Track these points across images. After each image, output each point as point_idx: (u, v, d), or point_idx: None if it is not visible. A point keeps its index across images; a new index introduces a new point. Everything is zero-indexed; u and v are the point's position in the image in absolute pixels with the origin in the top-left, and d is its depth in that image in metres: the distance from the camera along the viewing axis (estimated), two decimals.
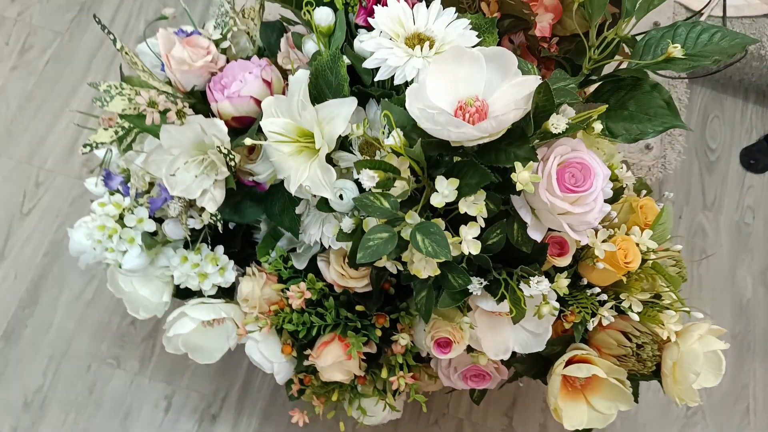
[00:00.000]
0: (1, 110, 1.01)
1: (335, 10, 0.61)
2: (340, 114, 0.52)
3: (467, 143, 0.48)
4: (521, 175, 0.46)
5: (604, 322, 0.62)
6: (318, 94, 0.57)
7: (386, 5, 0.58)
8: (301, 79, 0.54)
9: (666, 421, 0.93)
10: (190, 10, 1.11)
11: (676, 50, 0.53)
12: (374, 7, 0.55)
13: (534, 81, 0.47)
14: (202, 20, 1.11)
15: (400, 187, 0.50)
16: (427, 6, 0.55)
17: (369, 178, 0.46)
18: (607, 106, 0.48)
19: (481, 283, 0.53)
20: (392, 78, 0.52)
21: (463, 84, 0.50)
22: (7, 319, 0.88)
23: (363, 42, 0.53)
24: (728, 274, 1.04)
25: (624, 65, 0.57)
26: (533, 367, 0.66)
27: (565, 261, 0.58)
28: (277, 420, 0.85)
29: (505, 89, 0.49)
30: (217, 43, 0.68)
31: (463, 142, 0.48)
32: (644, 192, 0.67)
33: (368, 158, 0.53)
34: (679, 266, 0.66)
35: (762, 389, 0.96)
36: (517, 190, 0.47)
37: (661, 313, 0.63)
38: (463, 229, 0.50)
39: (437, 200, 0.49)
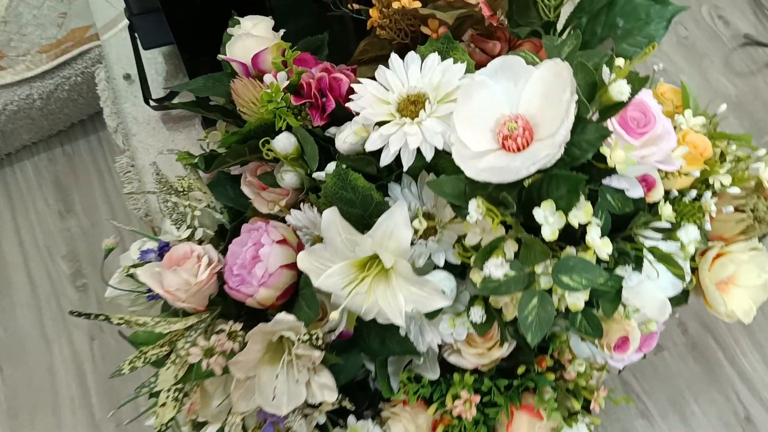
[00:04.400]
0: None
1: (290, 128, 0.55)
2: (397, 223, 0.46)
3: None
4: (616, 156, 0.42)
5: (712, 211, 0.60)
6: (347, 216, 0.51)
7: (343, 97, 0.53)
8: (332, 218, 0.47)
9: None
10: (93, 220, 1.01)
11: None
12: (336, 102, 0.49)
13: (555, 65, 0.43)
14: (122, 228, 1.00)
15: (509, 250, 0.45)
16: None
17: (498, 267, 0.41)
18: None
19: (628, 269, 0.49)
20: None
21: (486, 113, 0.45)
22: None
23: (370, 143, 0.47)
24: None
25: None
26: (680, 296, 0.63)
27: (658, 193, 0.54)
28: None
29: (530, 91, 0.44)
30: (190, 238, 0.60)
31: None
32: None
33: (461, 248, 0.47)
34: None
35: None
36: (618, 170, 0.43)
37: (748, 169, 0.61)
38: (589, 237, 0.45)
39: (548, 232, 0.44)
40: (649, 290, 0.56)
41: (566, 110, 0.41)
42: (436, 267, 0.52)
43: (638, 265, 0.51)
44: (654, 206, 0.55)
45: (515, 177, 0.41)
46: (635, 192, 0.49)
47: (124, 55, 0.88)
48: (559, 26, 0.55)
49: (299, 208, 0.57)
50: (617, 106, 0.41)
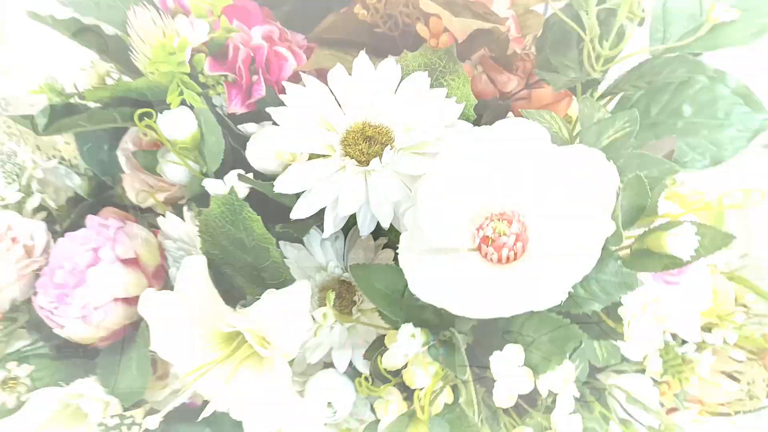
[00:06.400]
0: None
1: (192, 107, 0.37)
2: (289, 310, 0.30)
3: None
4: (637, 330, 0.27)
5: (703, 373, 0.47)
6: (226, 258, 0.34)
7: (281, 85, 0.36)
8: (197, 270, 0.31)
9: None
10: None
11: (725, 13, 0.35)
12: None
13: (592, 159, 0.28)
14: None
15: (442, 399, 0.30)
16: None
17: None
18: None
19: None
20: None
21: (470, 193, 0.29)
22: None
23: (283, 181, 0.30)
24: None
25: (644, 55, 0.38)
26: None
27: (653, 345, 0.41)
28: None
29: (543, 182, 0.29)
30: (20, 208, 0.43)
31: None
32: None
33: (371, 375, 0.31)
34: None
35: None
36: (631, 348, 0.28)
37: (760, 327, 0.48)
38: (555, 416, 0.31)
39: (505, 394, 0.29)
40: None
41: (591, 241, 0.26)
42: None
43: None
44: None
45: (483, 317, 0.26)
46: (634, 354, 0.35)
47: None
48: (601, 86, 0.40)
49: (181, 214, 0.40)
50: (668, 261, 0.26)
